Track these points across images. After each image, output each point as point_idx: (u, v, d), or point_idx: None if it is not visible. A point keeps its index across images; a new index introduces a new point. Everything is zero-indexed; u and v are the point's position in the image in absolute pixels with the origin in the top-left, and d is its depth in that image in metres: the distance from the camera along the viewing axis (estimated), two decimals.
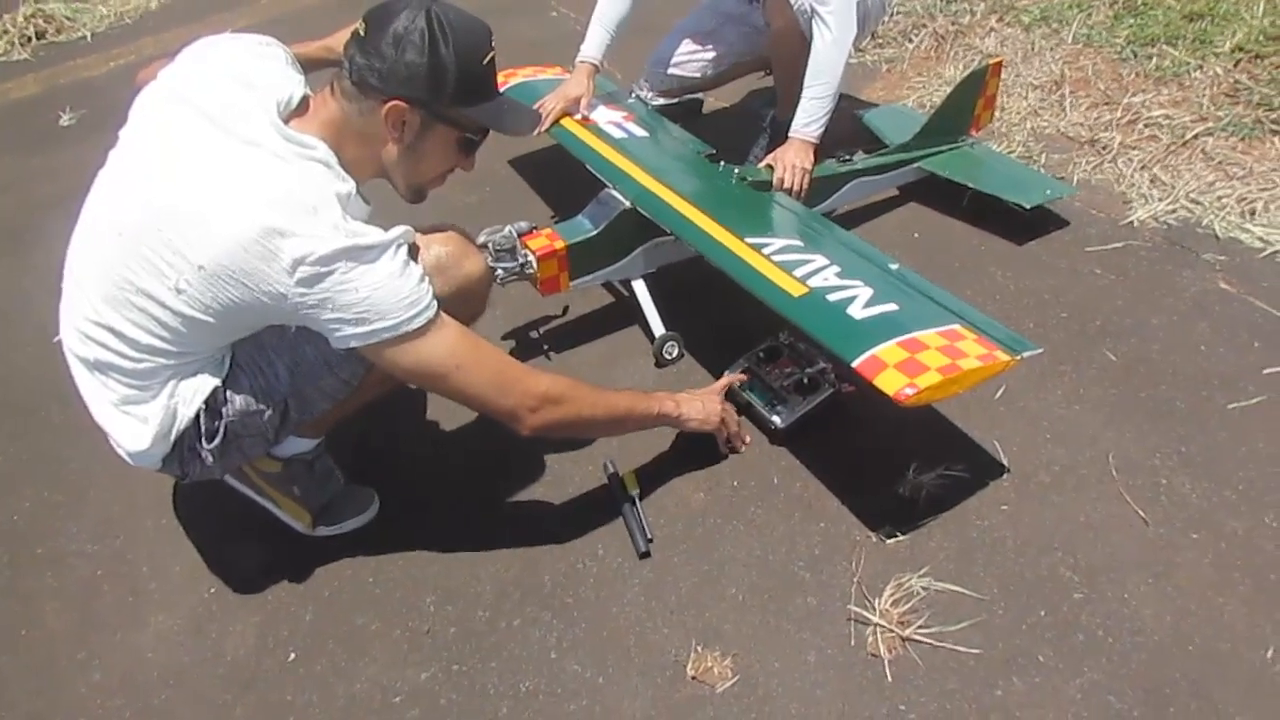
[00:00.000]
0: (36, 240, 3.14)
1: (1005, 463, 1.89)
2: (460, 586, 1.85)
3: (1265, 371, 2.00)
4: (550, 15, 4.19)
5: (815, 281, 1.84)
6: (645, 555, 1.83)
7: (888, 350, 1.64)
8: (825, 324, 1.75)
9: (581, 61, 2.60)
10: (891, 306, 1.76)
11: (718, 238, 2.02)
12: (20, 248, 3.13)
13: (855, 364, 1.64)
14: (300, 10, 4.63)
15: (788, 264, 1.90)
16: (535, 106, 2.58)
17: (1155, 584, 1.64)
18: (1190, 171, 2.57)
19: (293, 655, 1.78)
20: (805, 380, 2.02)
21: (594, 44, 2.59)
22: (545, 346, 2.37)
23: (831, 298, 1.80)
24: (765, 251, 1.95)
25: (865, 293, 1.80)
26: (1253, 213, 2.40)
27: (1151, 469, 1.84)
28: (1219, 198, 2.45)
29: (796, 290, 1.82)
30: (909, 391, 1.56)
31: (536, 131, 2.55)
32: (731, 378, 2.04)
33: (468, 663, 1.71)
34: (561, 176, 2.99)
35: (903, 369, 1.60)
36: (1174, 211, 2.46)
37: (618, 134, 2.49)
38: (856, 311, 1.75)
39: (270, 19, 4.58)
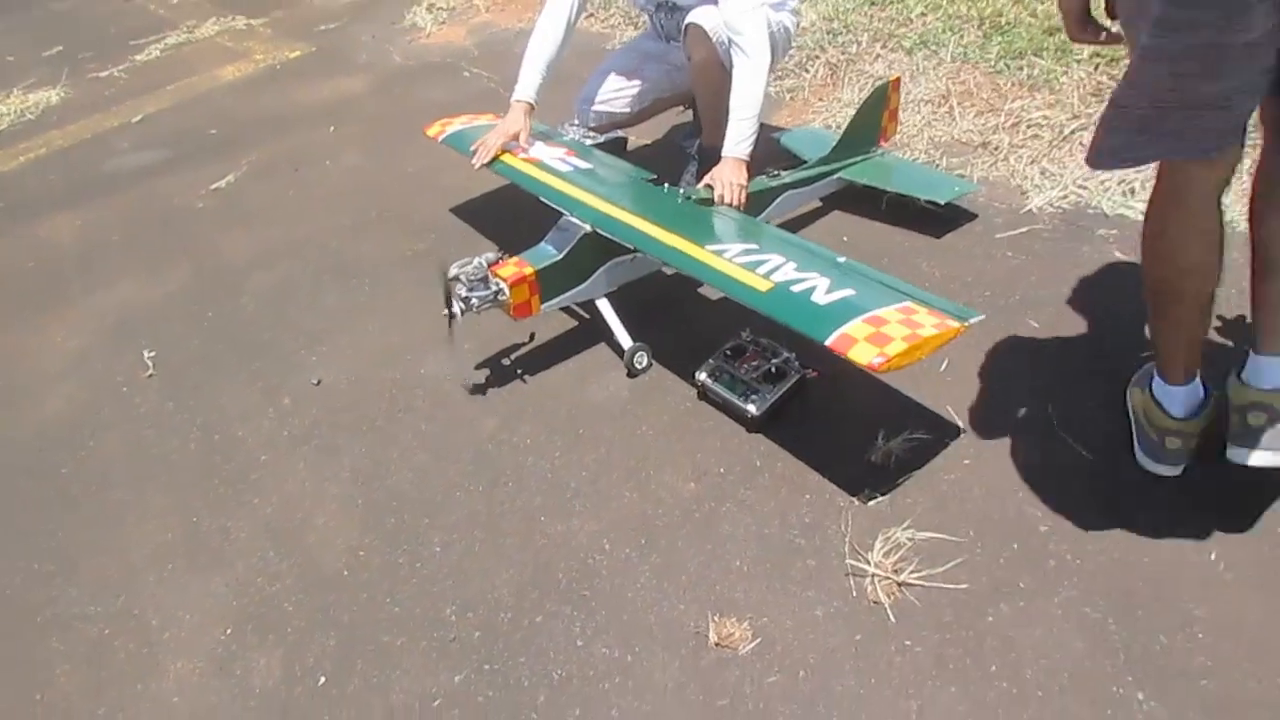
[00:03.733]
0: None
1: (961, 424, 2.10)
2: (478, 594, 1.94)
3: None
4: (463, 76, 4.36)
5: (777, 277, 2.03)
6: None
7: (855, 327, 1.83)
8: (795, 312, 1.93)
9: (517, 101, 2.76)
10: (849, 292, 1.96)
11: (681, 249, 2.20)
12: None
13: (828, 342, 1.82)
14: (208, 93, 4.69)
15: (749, 264, 2.08)
16: (475, 145, 2.73)
17: (1107, 510, 1.86)
18: (1073, 161, 2.89)
19: (323, 679, 1.84)
20: (773, 370, 2.20)
21: (527, 84, 2.76)
22: (519, 371, 2.49)
23: (795, 289, 1.98)
24: (726, 256, 2.13)
25: (823, 282, 1.99)
26: (1132, 191, 2.71)
27: (1085, 414, 2.07)
28: (1101, 182, 2.77)
29: (763, 286, 2.01)
30: (879, 360, 1.75)
31: (479, 165, 2.71)
32: None
33: (498, 661, 1.80)
34: (500, 217, 3.16)
35: (871, 341, 1.78)
36: (1065, 197, 2.76)
37: (563, 167, 2.66)
38: (820, 299, 1.94)
39: (176, 104, 4.63)
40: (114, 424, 2.61)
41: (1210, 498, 1.84)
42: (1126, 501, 1.87)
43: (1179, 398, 1.85)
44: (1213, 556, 1.75)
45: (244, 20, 5.51)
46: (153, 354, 2.83)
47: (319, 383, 2.60)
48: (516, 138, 2.74)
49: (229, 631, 1.97)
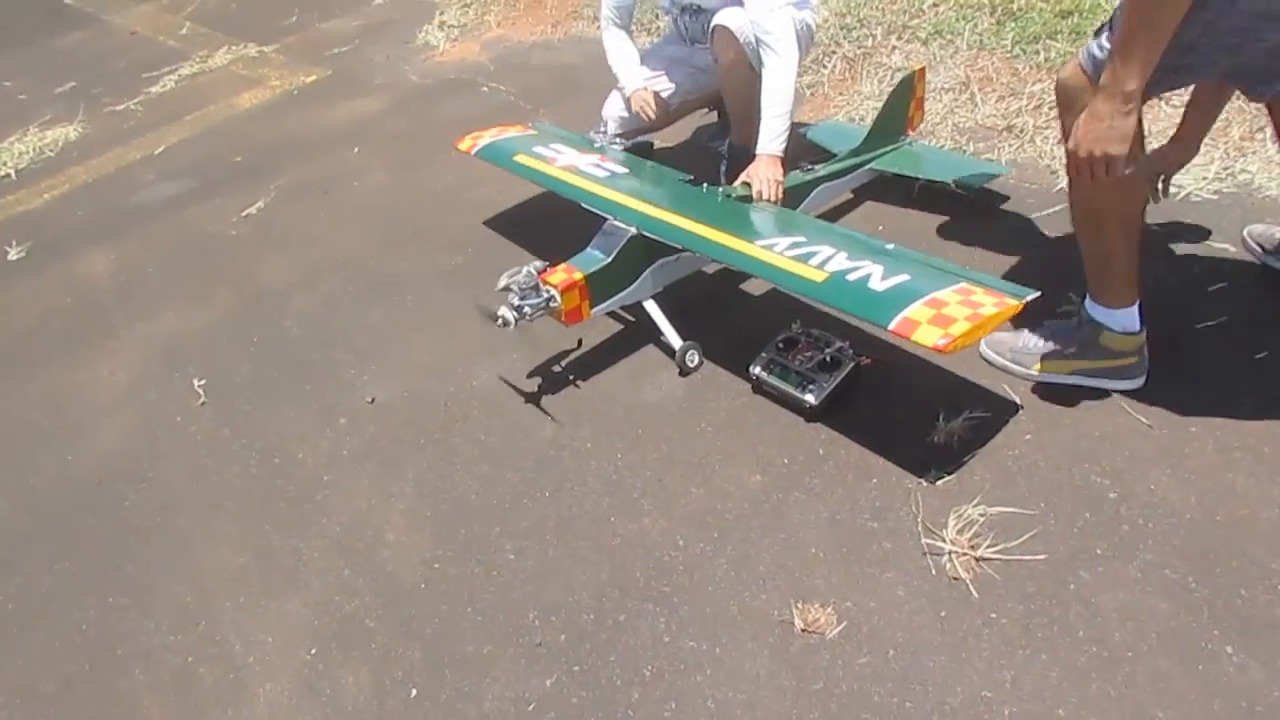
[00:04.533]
0: (33, 366, 3.16)
1: (1017, 400, 2.13)
2: (558, 599, 1.97)
3: (1210, 289, 2.31)
4: (481, 91, 4.41)
5: (831, 267, 2.06)
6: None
7: (916, 311, 1.86)
8: (855, 300, 1.97)
9: (634, 91, 3.00)
10: (905, 277, 1.99)
11: (731, 246, 2.23)
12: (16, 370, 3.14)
13: (891, 327, 1.85)
14: (228, 121, 4.74)
15: (802, 257, 2.12)
16: (631, 94, 3.00)
17: (1173, 474, 1.89)
18: None
19: (414, 692, 1.87)
20: (828, 359, 2.23)
21: (635, 76, 3.01)
22: (571, 377, 2.52)
23: (851, 278, 2.02)
24: (777, 250, 2.17)
25: (877, 269, 2.03)
26: None
27: (1143, 384, 2.10)
28: None
29: (819, 277, 2.04)
30: (944, 341, 1.78)
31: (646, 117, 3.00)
32: None
33: (587, 662, 1.83)
34: (533, 229, 3.19)
35: (935, 323, 1.82)
36: None
37: (601, 173, 2.70)
38: (877, 285, 1.97)
39: (196, 134, 4.68)
40: (171, 453, 2.64)
41: (1276, 458, 1.87)
42: (1191, 464, 1.90)
43: (1134, 314, 2.04)
44: None
45: (255, 48, 5.55)
46: (203, 382, 2.87)
47: (373, 400, 2.64)
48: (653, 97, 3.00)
49: (314, 651, 2.00)
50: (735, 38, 2.71)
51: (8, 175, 4.67)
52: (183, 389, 2.87)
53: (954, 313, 1.83)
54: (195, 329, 3.15)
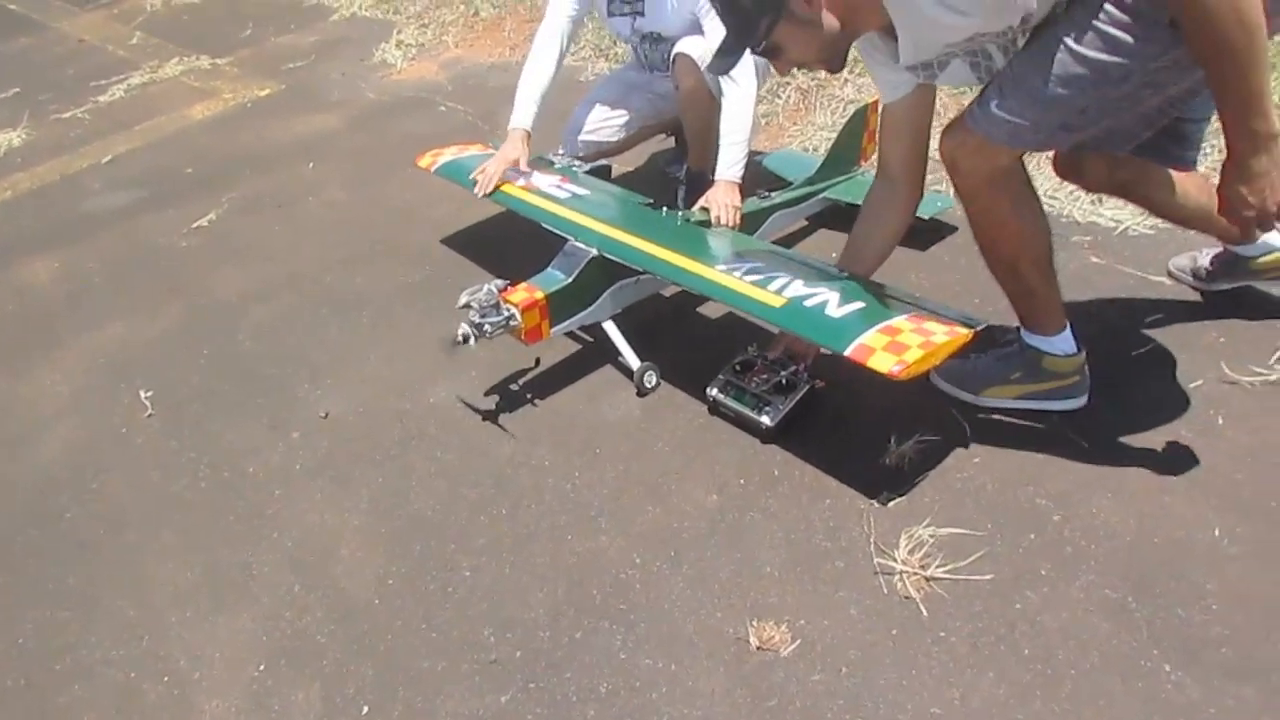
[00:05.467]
0: None
1: (966, 425, 2.20)
2: (514, 615, 1.97)
3: (1146, 320, 2.41)
4: (439, 110, 4.42)
5: (789, 292, 2.11)
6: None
7: (872, 337, 1.91)
8: (811, 325, 2.01)
9: (514, 129, 2.84)
10: (859, 304, 2.04)
11: (692, 269, 2.27)
12: None
13: (847, 352, 1.90)
14: (179, 132, 4.68)
15: (760, 282, 2.16)
16: (475, 174, 2.79)
17: (1114, 497, 1.96)
18: (1043, 175, 3.02)
19: (366, 709, 1.85)
20: (783, 381, 2.28)
21: (524, 114, 2.84)
22: (529, 395, 2.53)
23: (808, 303, 2.06)
24: (736, 275, 2.21)
25: (833, 296, 2.08)
26: (1100, 200, 2.86)
27: (1083, 410, 2.18)
28: (1070, 192, 2.91)
29: (777, 302, 2.08)
30: (898, 368, 1.83)
31: (481, 194, 2.77)
32: None
33: (542, 679, 1.83)
34: (492, 247, 3.20)
35: (889, 350, 1.87)
36: None
37: (562, 194, 2.72)
38: (833, 311, 2.02)
39: (146, 144, 4.61)
40: (116, 465, 2.59)
41: (1212, 482, 1.96)
42: (1130, 488, 1.97)
43: (1069, 337, 2.13)
44: (1216, 533, 1.85)
45: (208, 60, 5.49)
46: (150, 393, 2.82)
47: (327, 415, 2.62)
48: (516, 164, 2.81)
49: (262, 668, 1.96)
50: (696, 65, 2.77)
51: None
52: (129, 400, 2.82)
53: (908, 340, 1.89)
54: (143, 340, 3.10)
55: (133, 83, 5.31)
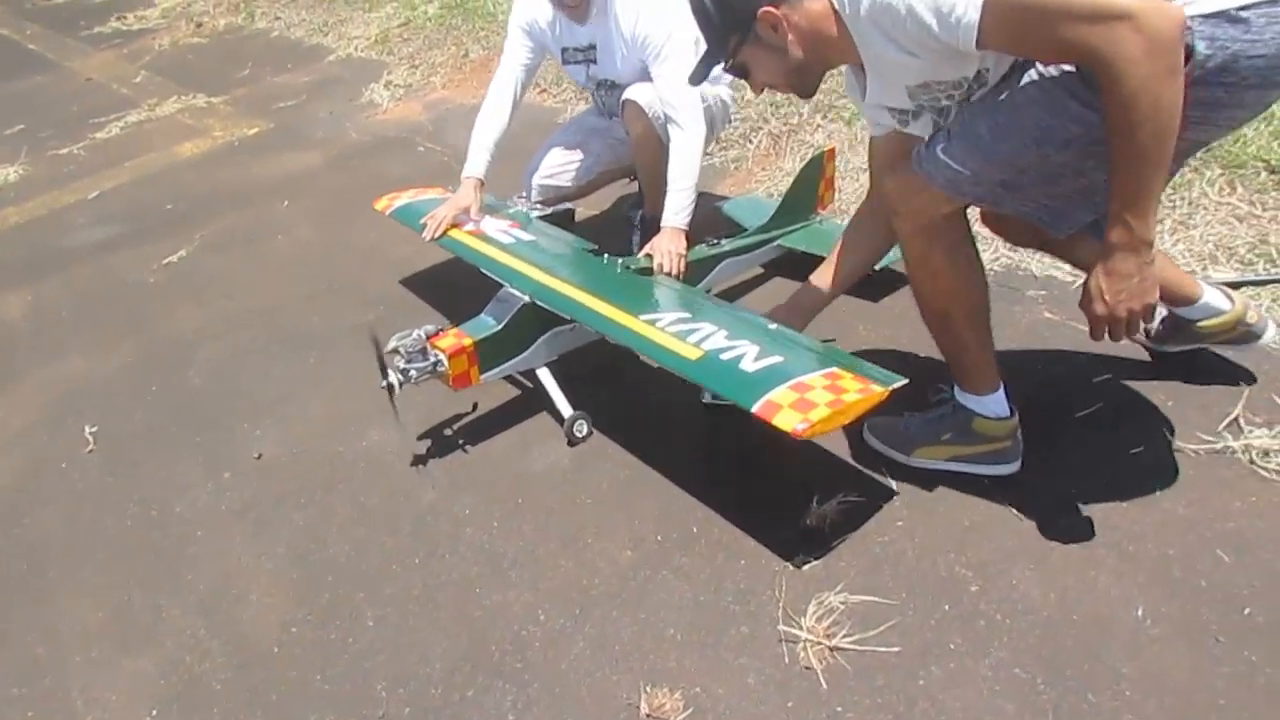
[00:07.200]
0: None
1: (893, 486, 2.12)
2: (409, 669, 1.91)
3: (1094, 380, 2.32)
4: (417, 150, 4.44)
5: (708, 345, 2.06)
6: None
7: (780, 394, 1.85)
8: (723, 380, 1.96)
9: (467, 178, 2.83)
10: (777, 359, 1.99)
11: (615, 318, 2.23)
12: None
13: (754, 409, 1.84)
14: (166, 169, 4.74)
15: (681, 333, 2.12)
16: (426, 219, 2.78)
17: (1037, 568, 1.87)
18: None
19: None
20: None
21: (476, 162, 2.84)
22: (461, 441, 2.49)
23: (724, 357, 2.01)
24: (659, 325, 2.16)
25: (752, 349, 2.03)
26: None
27: (1014, 474, 2.10)
28: None
29: (693, 354, 2.03)
30: (802, 426, 1.77)
31: (429, 238, 2.76)
32: None
33: None
34: (449, 289, 3.18)
35: (795, 408, 1.81)
36: (997, 260, 2.83)
37: (506, 239, 2.70)
38: (748, 366, 1.97)
39: (133, 180, 4.67)
40: (51, 500, 2.58)
41: (1141, 556, 1.86)
42: (1055, 559, 1.89)
43: (1002, 399, 2.05)
44: (1140, 613, 1.76)
45: (205, 98, 5.58)
46: (94, 429, 2.81)
47: (260, 456, 2.59)
48: (467, 211, 2.80)
49: (155, 713, 1.92)
50: (644, 111, 2.75)
51: None
52: (74, 435, 2.81)
53: (816, 397, 1.83)
54: (97, 375, 3.10)
55: (129, 120, 5.41)
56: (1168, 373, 2.31)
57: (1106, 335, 1.66)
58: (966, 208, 1.90)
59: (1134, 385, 2.30)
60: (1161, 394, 2.25)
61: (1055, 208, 1.79)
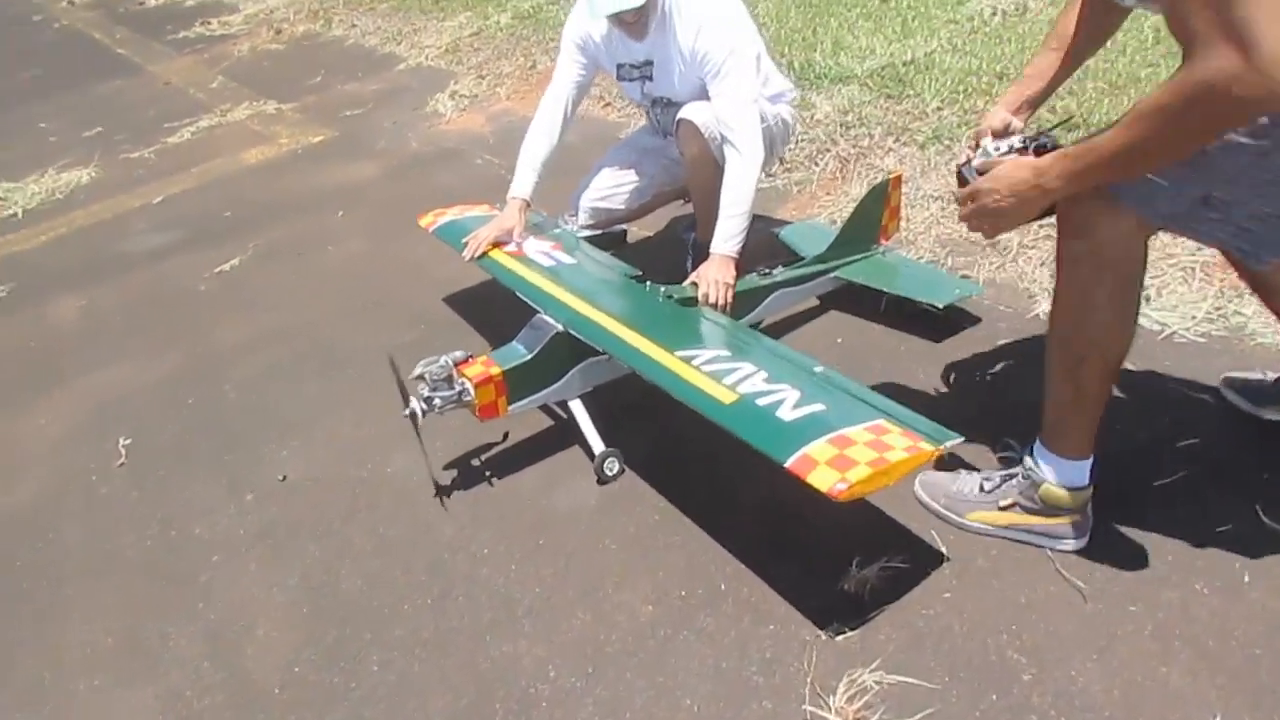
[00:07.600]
0: None
1: (944, 550, 1.93)
2: None
3: (1179, 444, 2.09)
4: (475, 163, 4.36)
5: (744, 388, 1.90)
6: None
7: (818, 448, 1.69)
8: (756, 428, 1.80)
9: (513, 198, 2.74)
10: (819, 406, 1.82)
11: (647, 353, 2.09)
12: None
13: (788, 464, 1.68)
14: (230, 175, 4.76)
15: (717, 373, 1.96)
16: (468, 239, 2.69)
17: (1100, 659, 1.67)
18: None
19: None
20: None
21: (523, 182, 2.75)
22: (488, 473, 2.38)
23: (761, 402, 1.85)
24: (695, 363, 2.02)
25: (793, 395, 1.86)
26: (1147, 299, 2.54)
27: (1085, 546, 1.89)
28: None
29: (727, 398, 1.88)
30: (840, 486, 1.60)
31: (469, 258, 2.67)
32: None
33: None
34: (494, 309, 3.07)
35: (834, 465, 1.64)
36: None
37: (546, 262, 2.59)
38: (786, 414, 1.81)
39: (197, 186, 4.71)
40: (76, 514, 2.55)
41: (1223, 654, 1.64)
42: (1122, 650, 1.67)
43: (1086, 468, 1.84)
44: (1218, 719, 1.54)
45: (275, 105, 5.62)
46: (128, 441, 2.79)
47: (284, 479, 2.52)
48: (510, 233, 2.70)
49: None
50: (700, 132, 2.60)
51: (14, 214, 4.74)
52: (108, 447, 2.79)
53: (857, 454, 1.66)
54: (138, 385, 3.09)
55: (201, 125, 5.47)
56: (1266, 443, 2.06)
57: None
58: (1149, 236, 1.65)
59: (1224, 454, 2.06)
60: (1256, 465, 2.01)
61: (1258, 234, 1.53)
